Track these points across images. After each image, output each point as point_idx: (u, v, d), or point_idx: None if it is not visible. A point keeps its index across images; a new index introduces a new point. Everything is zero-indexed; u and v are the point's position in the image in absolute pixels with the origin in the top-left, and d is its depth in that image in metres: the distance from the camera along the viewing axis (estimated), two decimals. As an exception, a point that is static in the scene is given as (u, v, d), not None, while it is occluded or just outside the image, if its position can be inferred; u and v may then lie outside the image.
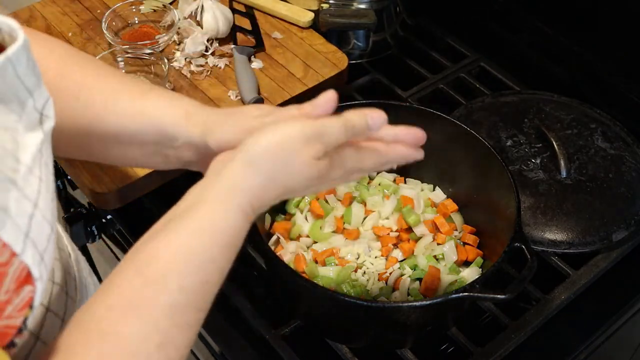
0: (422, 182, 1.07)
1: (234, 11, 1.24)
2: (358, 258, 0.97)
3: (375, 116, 0.65)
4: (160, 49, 1.16)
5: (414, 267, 0.95)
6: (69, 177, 1.14)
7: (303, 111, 0.67)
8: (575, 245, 1.01)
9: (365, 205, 1.01)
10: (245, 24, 1.23)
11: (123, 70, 1.12)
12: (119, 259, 1.23)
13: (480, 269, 0.95)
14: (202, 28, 1.18)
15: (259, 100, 1.08)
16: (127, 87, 0.70)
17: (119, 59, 1.13)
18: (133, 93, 0.69)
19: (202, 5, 1.19)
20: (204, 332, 0.95)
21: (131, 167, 0.99)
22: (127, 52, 1.13)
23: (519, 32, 1.33)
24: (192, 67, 1.15)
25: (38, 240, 0.47)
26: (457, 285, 0.93)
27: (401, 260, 0.97)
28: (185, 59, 1.16)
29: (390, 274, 0.95)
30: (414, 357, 0.91)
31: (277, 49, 1.19)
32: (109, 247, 1.23)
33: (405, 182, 1.07)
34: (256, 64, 1.16)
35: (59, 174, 1.15)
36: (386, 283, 0.94)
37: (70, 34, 1.19)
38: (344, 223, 1.00)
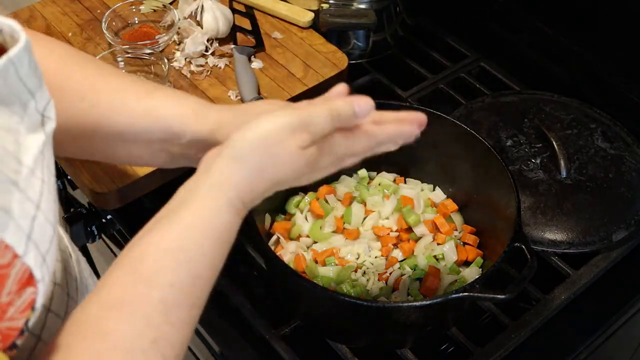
0: (422, 182, 1.07)
1: (234, 11, 1.24)
2: (358, 258, 0.97)
3: (361, 103, 0.64)
4: (160, 49, 1.16)
5: (414, 267, 0.95)
6: (69, 177, 1.14)
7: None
8: (575, 245, 1.02)
9: (365, 205, 1.01)
10: (245, 24, 1.23)
11: (123, 71, 1.12)
12: (118, 259, 1.23)
13: (480, 269, 0.95)
14: (202, 28, 1.18)
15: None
16: (132, 86, 0.70)
17: (119, 59, 1.13)
18: (139, 92, 0.69)
19: (202, 5, 1.19)
20: (204, 332, 0.95)
21: (131, 167, 0.99)
22: (127, 52, 1.13)
23: (519, 32, 1.33)
24: (192, 67, 1.15)
25: (40, 242, 0.47)
26: (457, 285, 0.93)
27: (401, 260, 0.97)
28: (185, 59, 1.16)
29: (390, 274, 0.95)
30: (414, 357, 0.91)
31: (277, 49, 1.19)
32: (109, 247, 1.23)
33: (405, 182, 1.08)
34: (256, 64, 1.16)
35: (59, 174, 1.15)
36: (386, 283, 0.94)
37: (70, 34, 1.19)
38: (344, 223, 1.00)
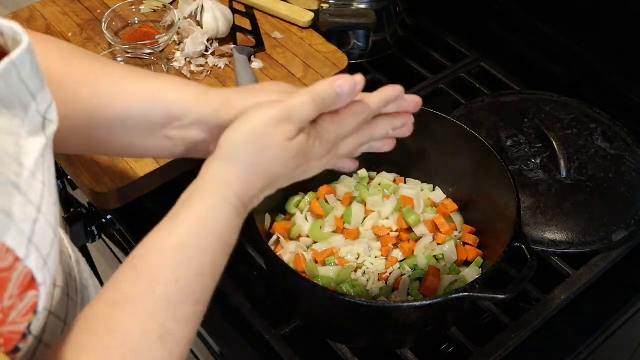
0: (422, 182, 1.07)
1: (234, 11, 1.24)
2: (358, 258, 0.97)
3: (342, 83, 0.65)
4: (160, 49, 1.16)
5: (414, 267, 0.95)
6: (69, 177, 1.14)
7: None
8: (575, 245, 1.02)
9: (365, 205, 1.02)
10: (245, 24, 1.23)
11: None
12: (119, 259, 1.23)
13: (480, 269, 0.95)
14: (202, 28, 1.18)
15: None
16: (132, 74, 0.71)
17: (119, 59, 1.13)
18: (139, 78, 0.70)
19: (202, 5, 1.19)
20: (204, 332, 0.95)
21: (131, 167, 0.99)
22: (127, 52, 1.13)
23: (519, 32, 1.33)
24: (192, 67, 1.15)
25: (42, 245, 0.47)
26: (457, 285, 0.93)
27: (401, 260, 0.97)
28: (185, 59, 1.16)
29: (390, 274, 0.95)
30: (414, 357, 0.91)
31: (277, 49, 1.19)
32: (109, 247, 1.23)
33: (405, 182, 1.08)
34: (256, 64, 1.16)
35: (59, 174, 1.15)
36: (386, 283, 0.95)
37: (70, 34, 1.19)
38: (344, 223, 1.00)
